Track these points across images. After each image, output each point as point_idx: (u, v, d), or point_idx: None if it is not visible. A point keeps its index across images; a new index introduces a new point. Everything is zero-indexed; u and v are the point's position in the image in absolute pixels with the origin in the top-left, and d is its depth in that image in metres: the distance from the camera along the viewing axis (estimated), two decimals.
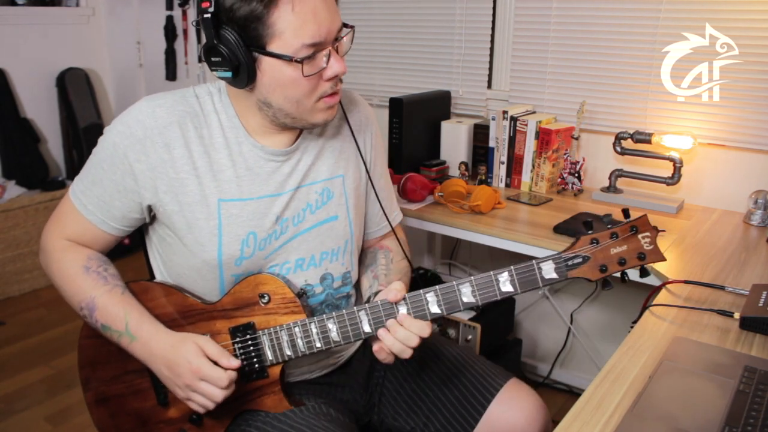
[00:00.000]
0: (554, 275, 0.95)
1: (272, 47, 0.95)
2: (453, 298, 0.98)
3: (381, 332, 1.00)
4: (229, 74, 0.97)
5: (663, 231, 1.66)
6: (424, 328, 0.99)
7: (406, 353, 0.99)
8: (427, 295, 0.99)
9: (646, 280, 1.06)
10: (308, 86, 0.99)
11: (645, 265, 0.97)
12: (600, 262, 0.95)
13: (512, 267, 0.96)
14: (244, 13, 0.92)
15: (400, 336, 0.98)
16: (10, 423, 2.11)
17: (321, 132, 1.16)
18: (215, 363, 1.01)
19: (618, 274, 0.98)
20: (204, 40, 0.98)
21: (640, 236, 0.95)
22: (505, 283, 0.96)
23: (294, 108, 1.02)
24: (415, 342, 0.98)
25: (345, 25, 1.03)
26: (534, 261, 0.96)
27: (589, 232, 0.96)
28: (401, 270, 1.24)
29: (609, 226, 0.96)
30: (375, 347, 1.02)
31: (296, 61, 0.95)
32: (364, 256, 1.28)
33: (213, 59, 0.97)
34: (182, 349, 1.01)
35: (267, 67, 0.97)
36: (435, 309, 0.99)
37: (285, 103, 1.01)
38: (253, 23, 0.93)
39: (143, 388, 1.12)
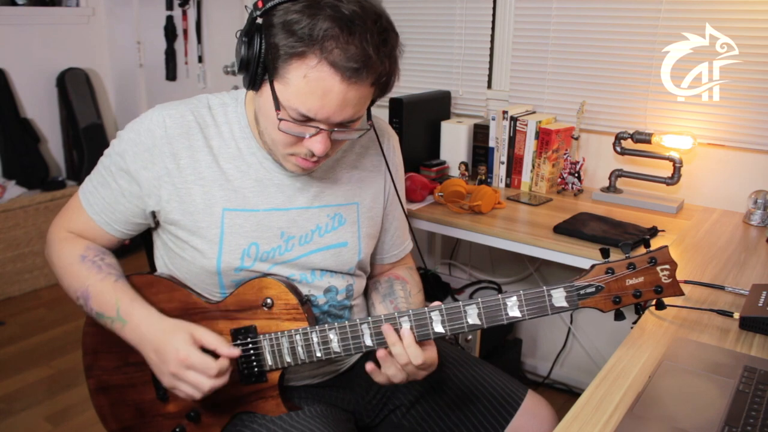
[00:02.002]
0: (564, 304, 0.92)
1: (276, 85, 0.93)
2: (458, 319, 0.96)
3: (382, 357, 0.98)
4: (237, 66, 0.96)
5: (663, 231, 1.68)
6: (418, 356, 0.97)
7: (398, 378, 0.98)
8: (432, 313, 0.97)
9: None
10: (283, 138, 0.97)
11: (662, 299, 0.93)
12: (614, 293, 0.91)
13: (521, 292, 0.93)
14: (274, 41, 0.90)
15: (396, 351, 0.97)
16: (10, 423, 2.12)
17: (342, 157, 1.15)
18: (213, 352, 1.00)
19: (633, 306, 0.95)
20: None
21: (659, 268, 0.91)
22: (513, 308, 0.94)
23: (270, 142, 1.02)
24: (408, 365, 0.97)
25: (369, 117, 1.01)
26: (545, 288, 0.93)
27: (606, 260, 0.93)
28: (418, 304, 1.23)
29: (627, 256, 0.92)
30: (368, 367, 1.00)
31: (278, 117, 0.93)
32: (377, 284, 1.26)
33: (237, 46, 0.95)
34: (172, 336, 0.99)
35: (266, 93, 0.95)
36: (439, 328, 0.97)
37: (264, 133, 1.02)
38: (275, 53, 0.90)
39: (143, 381, 1.12)
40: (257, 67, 0.93)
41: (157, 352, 1.01)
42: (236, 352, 1.00)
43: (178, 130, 1.04)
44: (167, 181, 1.05)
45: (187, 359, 0.97)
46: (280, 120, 0.93)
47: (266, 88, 0.95)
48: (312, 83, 0.89)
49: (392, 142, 1.23)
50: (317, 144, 0.95)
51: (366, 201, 1.18)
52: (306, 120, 0.93)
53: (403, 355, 0.97)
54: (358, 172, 1.17)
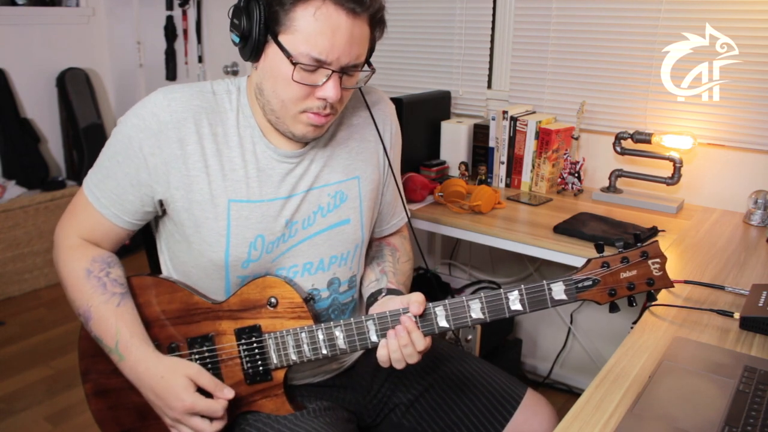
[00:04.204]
0: (564, 297, 0.95)
1: (282, 38, 0.96)
2: (462, 314, 0.98)
3: (389, 335, 1.00)
4: (237, 40, 1.00)
5: (663, 231, 1.68)
6: (420, 341, 0.98)
7: (401, 364, 0.99)
8: (436, 309, 0.99)
9: None
10: (296, 92, 0.98)
11: (652, 290, 0.96)
12: (609, 286, 0.95)
13: (522, 286, 0.96)
14: None
15: (403, 342, 0.98)
16: (10, 423, 2.12)
17: (335, 132, 1.15)
18: (209, 393, 1.01)
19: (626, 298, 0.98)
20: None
21: (650, 262, 0.94)
22: (514, 301, 0.96)
23: (279, 106, 1.01)
24: (414, 358, 0.99)
25: (369, 64, 1.03)
26: (545, 282, 0.95)
27: (601, 254, 0.96)
28: (405, 272, 1.24)
29: (620, 251, 0.96)
30: (379, 352, 1.01)
31: (292, 62, 0.95)
32: (368, 249, 1.26)
33: (234, 20, 0.99)
34: (173, 383, 1.00)
35: (271, 53, 0.98)
36: (443, 323, 0.99)
37: (272, 97, 1.01)
38: (277, 7, 0.94)
39: None
40: (259, 31, 0.96)
41: (158, 397, 1.01)
42: (231, 394, 1.03)
43: (184, 115, 1.03)
44: (175, 167, 1.03)
45: (193, 408, 0.99)
46: (295, 65, 0.95)
47: (270, 51, 0.97)
48: (321, 21, 0.92)
49: (387, 110, 1.23)
50: (330, 89, 0.97)
51: (366, 173, 1.17)
52: (317, 66, 0.96)
53: (414, 355, 0.99)
54: (356, 143, 1.17)
